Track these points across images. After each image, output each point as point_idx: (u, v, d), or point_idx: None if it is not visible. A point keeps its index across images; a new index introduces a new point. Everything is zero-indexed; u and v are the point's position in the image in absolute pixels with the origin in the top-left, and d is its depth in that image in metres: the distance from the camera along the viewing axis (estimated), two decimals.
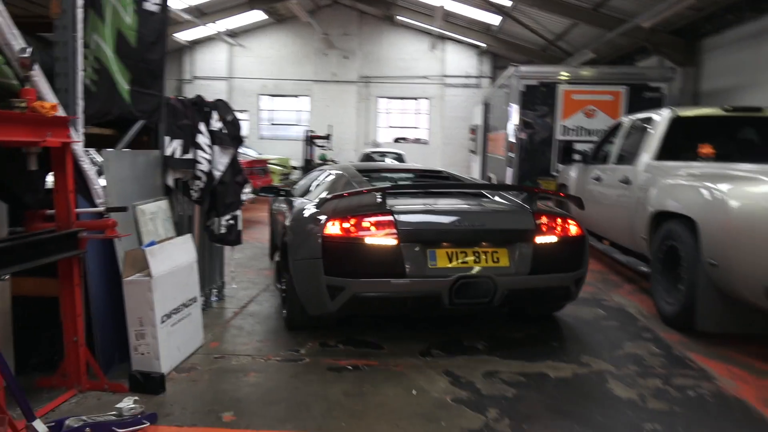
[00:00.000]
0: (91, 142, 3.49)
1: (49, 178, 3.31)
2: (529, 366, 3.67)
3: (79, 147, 3.19)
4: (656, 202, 5.03)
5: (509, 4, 15.53)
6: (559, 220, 4.03)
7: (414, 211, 3.95)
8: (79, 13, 3.19)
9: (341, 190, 4.35)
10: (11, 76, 2.85)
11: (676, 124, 5.65)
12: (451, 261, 3.70)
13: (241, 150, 5.46)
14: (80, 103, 3.23)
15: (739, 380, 3.52)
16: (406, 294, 3.68)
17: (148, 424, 2.75)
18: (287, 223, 4.51)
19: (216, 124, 4.56)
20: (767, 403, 3.20)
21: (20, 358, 3.16)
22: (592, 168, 7.22)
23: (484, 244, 3.78)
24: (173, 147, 4.22)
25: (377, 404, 3.09)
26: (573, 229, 4.04)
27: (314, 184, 5.36)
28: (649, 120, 6.08)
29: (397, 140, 23.75)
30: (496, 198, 4.51)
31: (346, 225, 3.70)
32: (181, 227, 4.35)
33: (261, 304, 5.02)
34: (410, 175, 5.75)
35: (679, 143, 5.62)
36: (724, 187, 4.14)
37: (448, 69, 22.92)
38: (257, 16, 22.14)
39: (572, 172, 8.05)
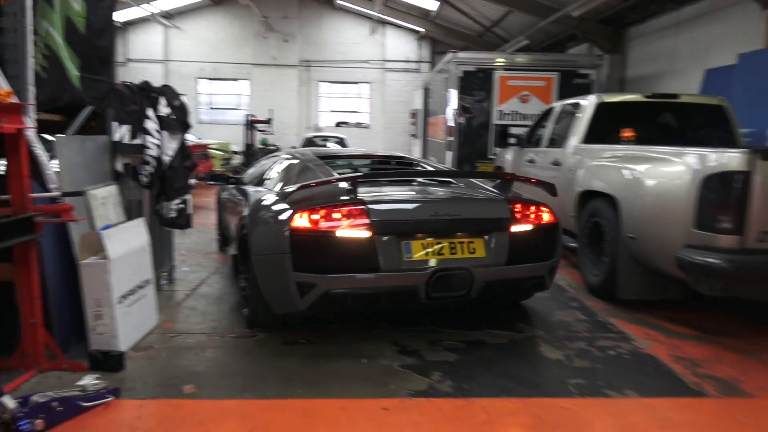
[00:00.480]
0: (40, 127, 3.52)
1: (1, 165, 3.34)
2: (470, 334, 3.98)
3: (31, 133, 3.24)
4: (583, 182, 5.44)
5: None
6: (533, 208, 3.93)
7: (387, 200, 3.77)
8: (29, 0, 3.22)
9: (303, 178, 4.16)
10: None
11: (601, 109, 6.07)
12: (427, 253, 3.55)
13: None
14: (31, 90, 3.27)
15: (653, 340, 3.94)
16: (381, 289, 3.51)
17: (112, 397, 2.88)
18: (245, 214, 4.18)
19: (164, 109, 4.62)
20: (675, 359, 3.63)
21: None
22: (526, 151, 7.61)
23: (459, 234, 3.65)
24: (122, 132, 4.28)
25: (330, 372, 3.32)
26: (546, 217, 3.96)
27: (270, 172, 5.10)
28: (577, 105, 6.49)
29: (338, 124, 23.83)
30: (466, 186, 4.40)
31: (315, 217, 3.48)
32: (130, 212, 4.42)
33: (212, 286, 5.15)
34: (371, 162, 5.40)
35: (604, 127, 6.05)
36: (641, 167, 4.56)
37: (389, 54, 23.12)
38: None
39: (508, 155, 8.44)
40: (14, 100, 3.01)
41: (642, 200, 4.40)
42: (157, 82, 4.86)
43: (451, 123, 10.79)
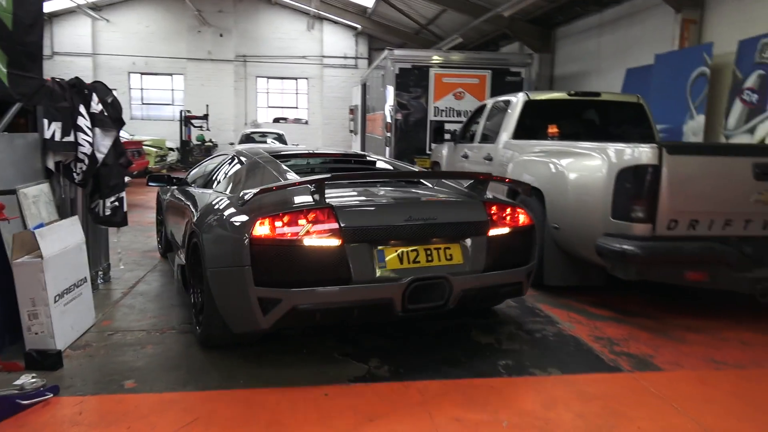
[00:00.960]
0: None
1: None
2: (407, 323, 4.15)
3: None
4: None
5: None
6: (509, 210, 3.73)
7: (357, 204, 3.51)
8: None
9: (258, 179, 3.87)
10: None
11: (528, 106, 6.38)
12: (402, 261, 3.28)
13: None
14: None
15: (576, 323, 4.24)
16: (354, 303, 3.21)
17: (51, 395, 2.88)
18: (195, 220, 3.82)
19: (96, 106, 4.57)
20: (595, 339, 3.92)
21: None
22: (461, 146, 7.88)
23: (435, 240, 3.39)
24: (53, 129, 4.20)
25: (272, 363, 3.41)
26: (523, 219, 3.76)
27: (219, 172, 4.77)
28: (507, 102, 6.79)
29: (276, 120, 23.66)
30: (438, 186, 4.13)
31: (278, 224, 3.13)
32: (63, 210, 4.36)
33: (149, 284, 5.11)
34: (329, 161, 4.97)
35: (532, 123, 6.37)
36: (564, 161, 4.86)
37: (327, 50, 23.12)
38: None
39: (444, 151, 8.70)
40: None
41: (565, 192, 4.70)
42: (85, 76, 4.79)
43: (389, 119, 10.98)
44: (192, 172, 5.59)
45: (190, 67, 22.42)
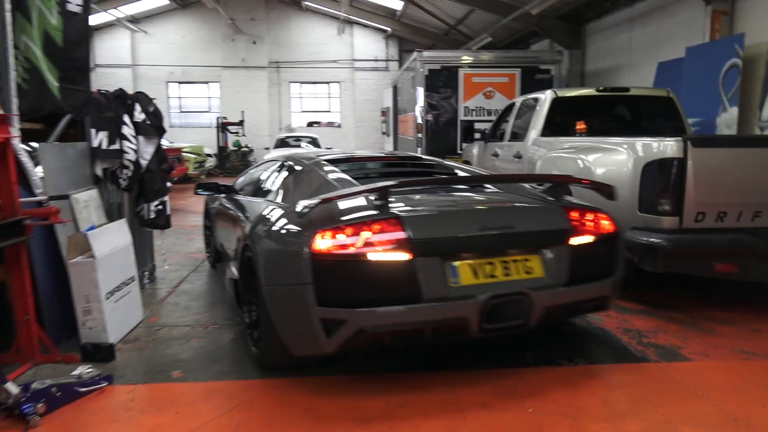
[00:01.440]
0: (23, 136, 3.72)
1: None
2: None
3: (17, 142, 3.44)
4: (542, 173, 5.78)
5: None
6: (590, 215, 3.36)
7: (426, 214, 3.20)
8: (8, 17, 3.43)
9: (316, 187, 3.62)
10: None
11: (556, 103, 6.43)
12: (477, 276, 2.99)
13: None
14: (14, 101, 3.48)
15: (605, 315, 4.28)
16: (426, 324, 2.91)
17: (106, 384, 3.11)
18: (248, 232, 3.60)
19: (139, 115, 4.84)
20: (623, 331, 3.99)
21: None
22: (491, 145, 7.96)
23: (512, 251, 3.09)
24: (99, 138, 4.48)
25: None
26: (607, 225, 3.39)
27: (270, 180, 4.51)
28: (535, 100, 6.85)
29: (310, 124, 24.04)
30: (507, 191, 3.77)
31: (341, 237, 2.87)
32: (111, 214, 4.63)
33: (192, 283, 5.37)
34: (382, 165, 4.74)
35: (561, 120, 6.42)
36: (591, 157, 4.92)
37: (357, 53, 23.38)
38: (159, 1, 21.59)
39: (474, 150, 8.79)
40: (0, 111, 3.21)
41: None
42: (125, 87, 5.06)
43: (420, 120, 11.11)
44: (240, 180, 5.39)
45: (226, 74, 22.96)
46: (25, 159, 3.56)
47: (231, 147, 21.39)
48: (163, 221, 5.10)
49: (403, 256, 2.87)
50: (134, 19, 22.22)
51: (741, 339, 3.82)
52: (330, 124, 24.31)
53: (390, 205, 3.05)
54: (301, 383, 3.17)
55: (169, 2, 22.06)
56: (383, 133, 18.01)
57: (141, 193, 4.92)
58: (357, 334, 2.84)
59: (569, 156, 5.36)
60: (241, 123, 21.26)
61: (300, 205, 3.11)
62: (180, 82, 23.57)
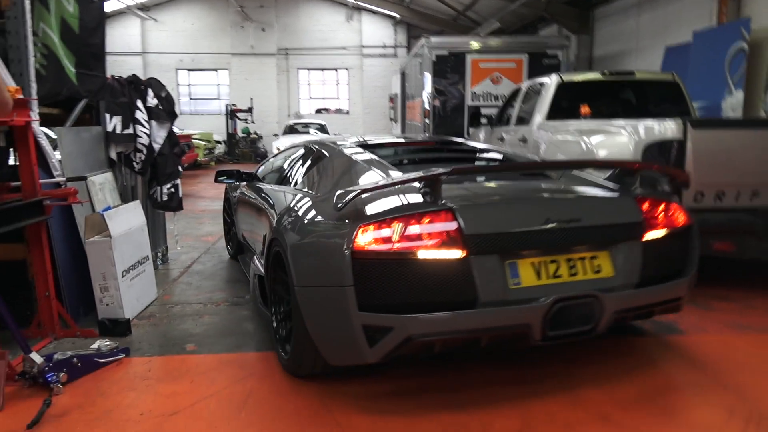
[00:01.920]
0: (41, 121, 3.87)
1: None
2: None
3: (36, 125, 3.58)
4: (546, 156, 5.87)
5: None
6: (663, 207, 3.01)
7: (482, 205, 2.83)
8: (27, 4, 3.56)
9: (352, 175, 3.30)
10: None
11: (562, 88, 6.49)
12: (540, 276, 2.67)
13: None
14: (33, 86, 3.62)
15: None
16: (482, 331, 2.58)
17: (124, 356, 3.27)
18: (276, 225, 3.29)
19: (152, 100, 4.97)
20: None
21: None
22: (497, 130, 8.03)
23: (579, 247, 2.76)
24: (114, 123, 4.62)
25: None
26: (681, 217, 3.05)
27: (297, 166, 4.20)
28: (541, 85, 6.91)
29: (318, 111, 24.14)
30: (568, 179, 3.38)
31: (386, 232, 2.53)
32: (125, 196, 4.78)
33: (204, 264, 5.53)
34: (420, 150, 4.41)
35: (567, 105, 6.48)
36: (594, 140, 5.00)
37: (365, 39, 23.39)
38: None
39: (481, 135, 8.86)
40: (20, 96, 3.35)
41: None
42: (137, 74, 5.19)
43: (427, 106, 11.18)
44: (262, 167, 5.13)
45: (234, 62, 23.07)
46: (44, 142, 3.70)
47: (240, 134, 21.55)
48: (175, 203, 5.25)
49: (457, 253, 2.53)
50: (144, 7, 22.35)
51: (737, 314, 3.92)
52: (338, 111, 24.41)
53: (441, 195, 2.67)
54: None
55: None
56: (391, 119, 18.08)
57: (154, 176, 5.06)
58: (404, 342, 2.50)
59: (573, 139, 5.44)
60: (250, 110, 21.40)
61: (337, 195, 2.73)
62: (189, 70, 23.73)
